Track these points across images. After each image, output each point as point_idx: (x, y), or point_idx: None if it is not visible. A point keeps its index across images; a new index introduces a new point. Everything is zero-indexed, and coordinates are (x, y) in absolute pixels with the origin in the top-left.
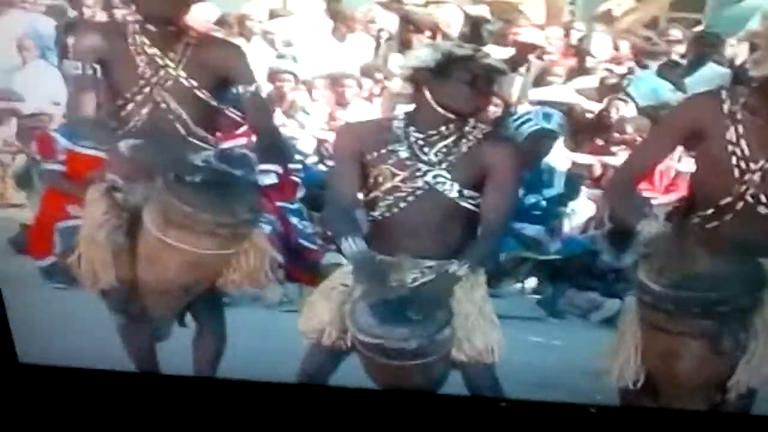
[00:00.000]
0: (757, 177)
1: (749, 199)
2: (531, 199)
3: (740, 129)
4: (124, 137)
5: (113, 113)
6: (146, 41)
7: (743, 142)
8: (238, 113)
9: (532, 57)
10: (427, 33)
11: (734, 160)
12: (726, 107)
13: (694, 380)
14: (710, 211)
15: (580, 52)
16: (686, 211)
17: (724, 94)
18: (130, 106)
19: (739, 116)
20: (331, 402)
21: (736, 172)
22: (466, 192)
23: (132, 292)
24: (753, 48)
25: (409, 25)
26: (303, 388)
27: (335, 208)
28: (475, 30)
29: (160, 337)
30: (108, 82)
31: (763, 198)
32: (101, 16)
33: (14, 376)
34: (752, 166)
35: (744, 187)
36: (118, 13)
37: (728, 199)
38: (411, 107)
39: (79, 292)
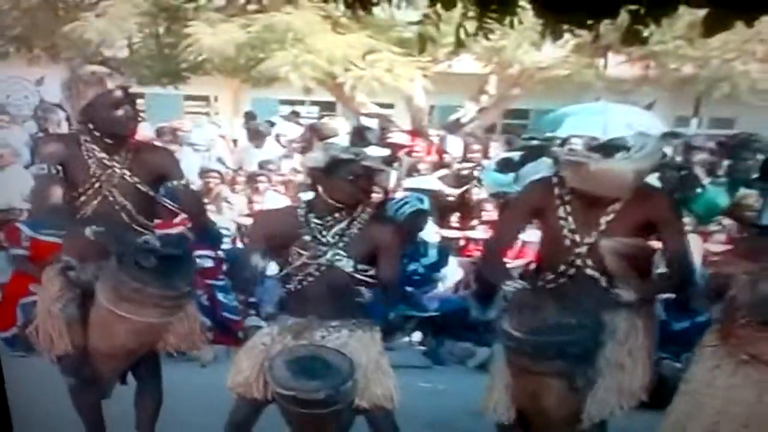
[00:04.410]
0: (584, 249)
1: (580, 265)
2: (411, 266)
3: (568, 208)
4: (81, 224)
5: (70, 204)
6: (96, 148)
7: (571, 219)
8: (173, 204)
9: (402, 155)
10: (326, 140)
11: (565, 232)
12: (556, 191)
13: (557, 414)
14: (551, 275)
15: (439, 150)
16: (535, 273)
17: (554, 180)
18: (83, 198)
19: (567, 198)
20: None
21: (568, 243)
22: (360, 266)
23: (83, 357)
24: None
25: (313, 133)
26: None
27: (249, 281)
28: (360, 135)
29: (105, 395)
30: (66, 179)
31: (590, 263)
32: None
33: None
34: (578, 239)
35: (574, 257)
36: (75, 127)
37: (563, 267)
38: (311, 197)
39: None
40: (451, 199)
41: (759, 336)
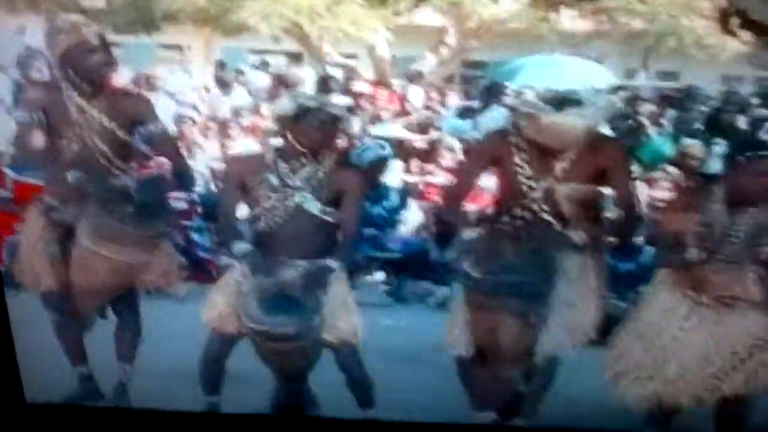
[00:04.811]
0: (539, 194)
1: (535, 209)
2: (375, 210)
3: (524, 156)
4: (63, 168)
5: (52, 149)
6: (75, 94)
7: (527, 167)
8: (148, 148)
9: (365, 103)
10: (292, 87)
11: (522, 179)
12: (512, 140)
13: (512, 349)
14: (507, 218)
15: (400, 99)
16: (492, 217)
17: (510, 129)
18: (64, 143)
19: (522, 147)
20: None
21: (524, 189)
22: (326, 208)
23: (65, 294)
24: None
25: (281, 81)
26: None
27: (224, 221)
28: (325, 84)
29: (86, 329)
30: (48, 125)
31: (545, 207)
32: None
33: None
34: (534, 185)
35: (530, 202)
36: (55, 74)
37: (519, 211)
38: (279, 142)
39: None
40: (413, 145)
41: (719, 275)
